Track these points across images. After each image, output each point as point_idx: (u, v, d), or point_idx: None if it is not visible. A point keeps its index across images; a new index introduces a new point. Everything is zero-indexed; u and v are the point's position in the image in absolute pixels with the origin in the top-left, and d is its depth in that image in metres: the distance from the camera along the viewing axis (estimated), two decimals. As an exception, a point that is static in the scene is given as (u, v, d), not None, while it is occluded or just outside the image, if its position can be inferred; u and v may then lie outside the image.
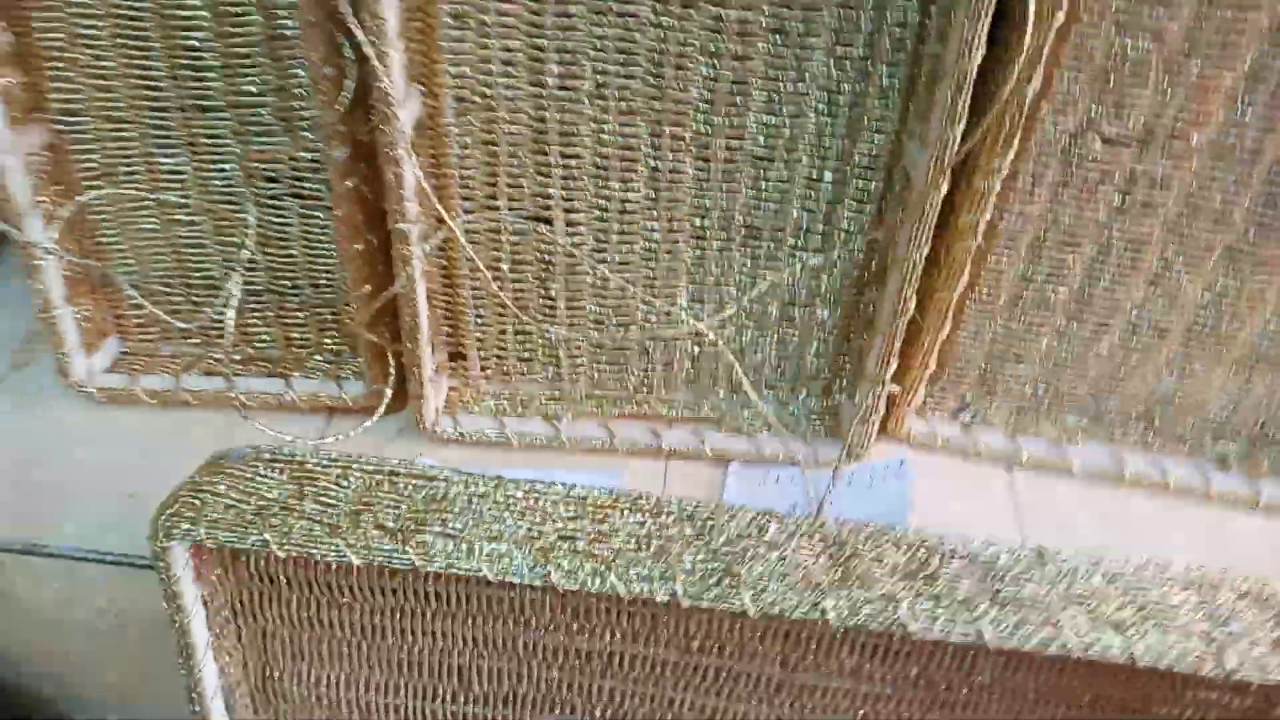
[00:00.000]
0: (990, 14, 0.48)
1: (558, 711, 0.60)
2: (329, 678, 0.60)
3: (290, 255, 0.64)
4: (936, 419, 0.70)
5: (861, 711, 0.56)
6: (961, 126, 0.52)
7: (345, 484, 0.52)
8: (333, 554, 0.49)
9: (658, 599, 0.48)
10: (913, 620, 0.47)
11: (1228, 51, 0.52)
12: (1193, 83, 0.54)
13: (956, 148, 0.52)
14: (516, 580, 0.48)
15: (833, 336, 0.66)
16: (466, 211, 0.61)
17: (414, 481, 0.53)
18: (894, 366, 0.62)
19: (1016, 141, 0.54)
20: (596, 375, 0.69)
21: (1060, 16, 0.49)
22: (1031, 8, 0.47)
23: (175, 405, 0.68)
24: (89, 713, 0.84)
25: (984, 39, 0.49)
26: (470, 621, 0.56)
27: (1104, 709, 0.54)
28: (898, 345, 0.61)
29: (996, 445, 0.69)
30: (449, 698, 0.60)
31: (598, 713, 0.59)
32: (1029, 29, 0.48)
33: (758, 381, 0.69)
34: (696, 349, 0.67)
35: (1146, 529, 0.66)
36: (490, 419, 0.68)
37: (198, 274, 0.66)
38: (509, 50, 0.56)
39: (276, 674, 0.60)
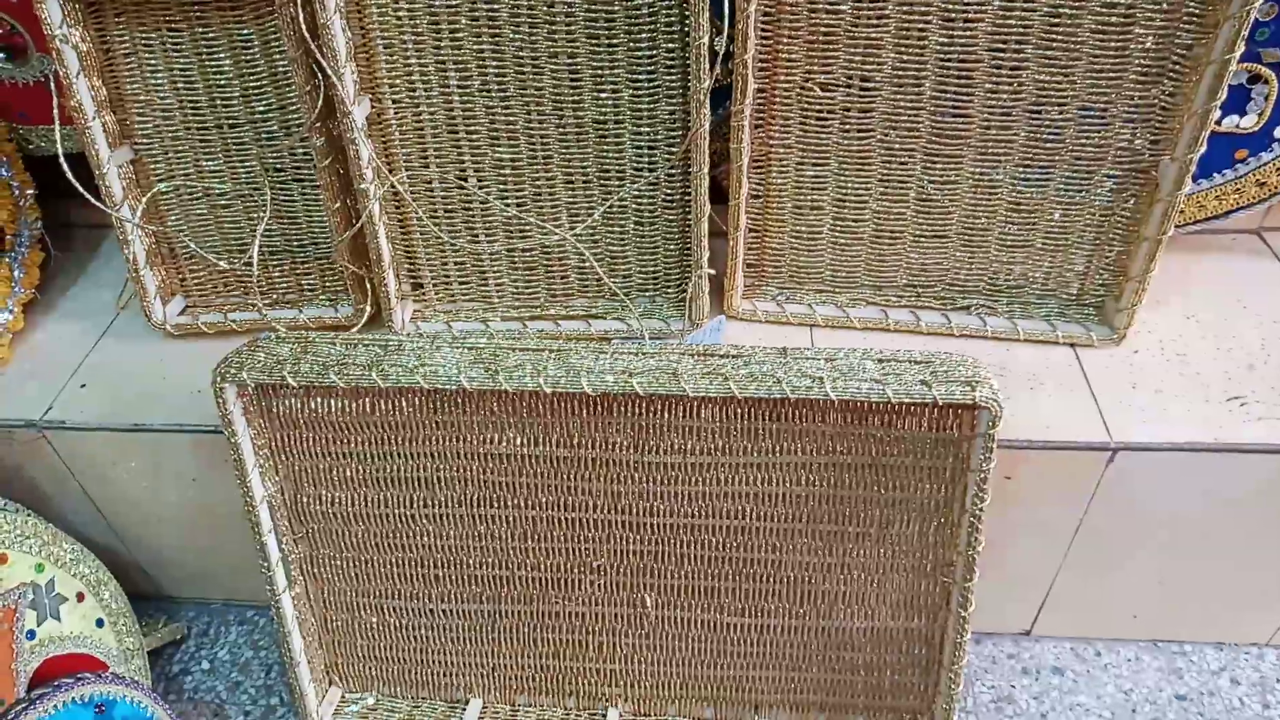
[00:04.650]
0: (707, 9, 0.77)
1: (491, 506, 0.87)
2: (339, 498, 0.88)
3: (296, 220, 0.95)
4: (759, 300, 0.98)
5: (693, 478, 0.83)
6: (708, 83, 0.80)
7: (332, 347, 0.81)
8: (325, 380, 0.77)
9: (528, 389, 0.76)
10: (688, 384, 0.74)
11: (885, 20, 0.80)
12: (868, 41, 0.82)
13: (706, 96, 0.81)
14: (442, 385, 0.77)
15: (672, 243, 0.94)
16: (408, 174, 0.90)
17: (376, 343, 0.82)
18: (706, 256, 0.90)
19: (751, 91, 0.83)
20: (515, 288, 0.97)
21: (754, 6, 0.78)
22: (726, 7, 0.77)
23: (225, 334, 0.98)
24: (183, 590, 1.12)
25: (706, 25, 0.78)
26: (427, 440, 0.84)
27: (853, 440, 0.79)
28: (705, 240, 0.89)
29: (800, 313, 0.96)
30: (422, 503, 0.88)
31: (520, 501, 0.86)
32: (733, 18, 0.77)
33: (629, 284, 0.97)
34: (581, 264, 0.95)
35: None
36: (442, 325, 0.97)
37: (235, 239, 0.97)
38: (424, 67, 0.85)
39: (304, 499, 0.89)
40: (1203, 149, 0.78)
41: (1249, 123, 0.89)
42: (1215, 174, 0.93)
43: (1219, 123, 0.89)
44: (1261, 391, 0.86)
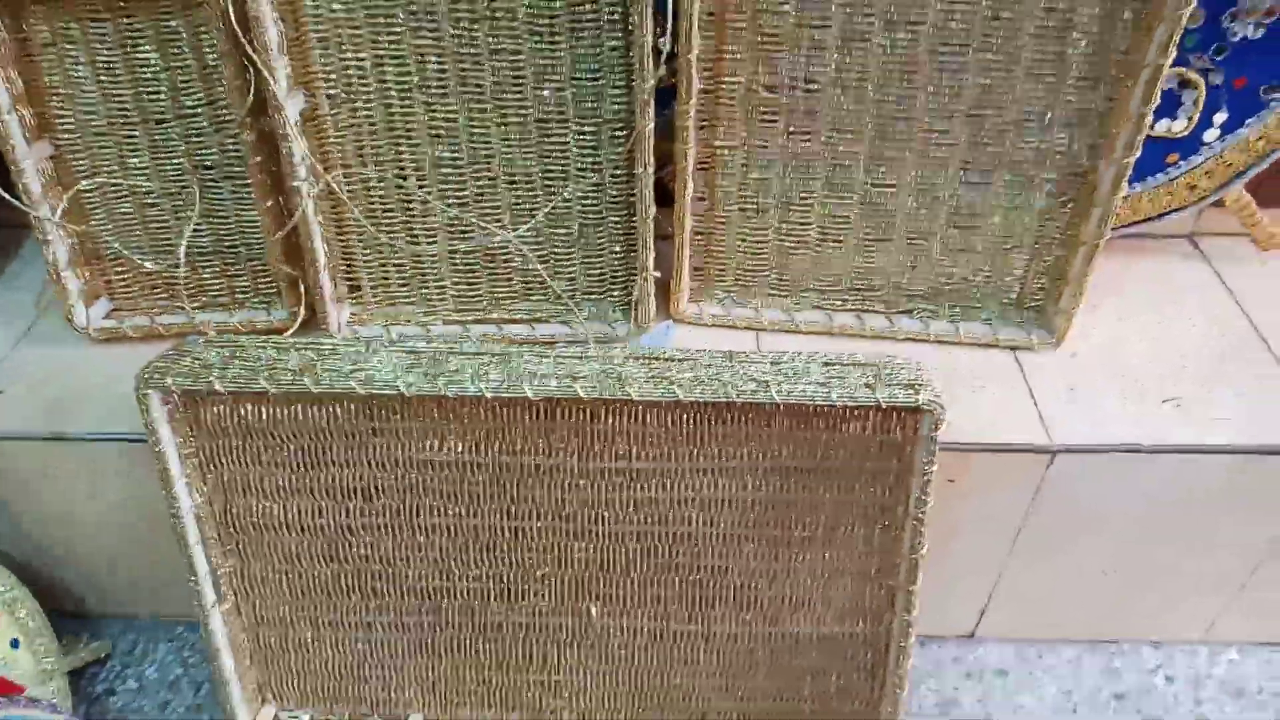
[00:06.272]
0: (651, 7, 0.76)
1: (431, 515, 0.84)
2: (271, 509, 0.85)
3: (226, 219, 0.91)
4: (705, 303, 0.97)
5: (638, 484, 0.81)
6: (651, 82, 0.79)
7: (263, 351, 0.78)
8: (254, 386, 0.74)
9: (470, 394, 0.74)
10: (633, 388, 0.73)
11: (828, 23, 0.80)
12: (812, 43, 0.81)
13: (650, 95, 0.80)
14: (379, 391, 0.74)
15: (617, 246, 0.92)
16: (345, 172, 0.88)
17: (310, 346, 0.79)
18: (652, 259, 0.89)
19: (695, 91, 0.82)
20: (456, 291, 0.95)
21: (697, 6, 0.77)
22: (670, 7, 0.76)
23: (153, 338, 0.94)
24: (108, 606, 1.07)
25: (650, 23, 0.77)
26: (364, 448, 0.81)
27: (798, 444, 0.79)
28: (651, 243, 0.88)
29: (747, 317, 0.95)
30: (359, 513, 0.85)
31: (461, 510, 0.84)
32: (676, 18, 0.76)
33: (574, 288, 0.95)
34: (525, 266, 0.94)
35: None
36: (380, 329, 0.94)
37: (162, 240, 0.93)
38: (361, 61, 0.83)
39: (234, 510, 0.85)
40: (1138, 153, 0.79)
41: (1179, 127, 0.91)
42: (1148, 177, 0.95)
43: (1151, 127, 0.91)
44: (1195, 393, 0.88)
